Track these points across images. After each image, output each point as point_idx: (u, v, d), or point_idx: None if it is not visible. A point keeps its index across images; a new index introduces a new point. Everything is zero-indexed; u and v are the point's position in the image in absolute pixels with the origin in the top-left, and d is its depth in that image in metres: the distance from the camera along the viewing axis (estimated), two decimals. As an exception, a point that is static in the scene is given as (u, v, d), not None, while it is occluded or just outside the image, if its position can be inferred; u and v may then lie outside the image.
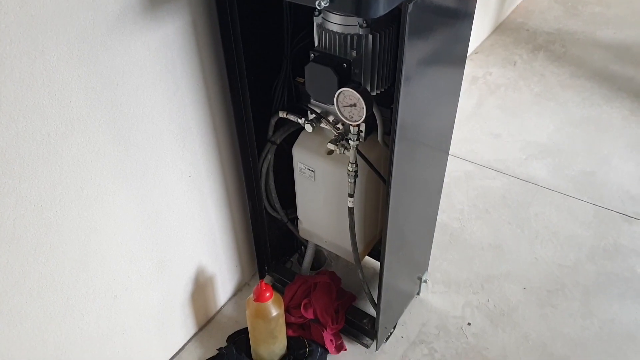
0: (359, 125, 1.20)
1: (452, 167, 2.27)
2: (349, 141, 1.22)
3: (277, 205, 1.56)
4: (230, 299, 1.74)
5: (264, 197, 1.53)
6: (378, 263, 1.74)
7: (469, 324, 1.65)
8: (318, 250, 1.91)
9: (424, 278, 1.69)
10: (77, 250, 1.14)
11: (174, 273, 1.44)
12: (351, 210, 1.29)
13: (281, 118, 1.37)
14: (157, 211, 1.31)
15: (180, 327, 1.55)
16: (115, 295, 1.28)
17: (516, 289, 1.75)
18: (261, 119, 1.40)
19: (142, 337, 1.42)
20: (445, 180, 1.54)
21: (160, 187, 1.30)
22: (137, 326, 1.39)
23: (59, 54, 0.96)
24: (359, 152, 1.24)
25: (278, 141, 1.43)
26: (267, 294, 1.38)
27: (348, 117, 1.15)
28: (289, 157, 1.42)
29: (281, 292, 1.64)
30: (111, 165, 1.15)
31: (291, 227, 1.64)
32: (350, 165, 1.23)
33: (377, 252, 1.68)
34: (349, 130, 1.22)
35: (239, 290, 1.76)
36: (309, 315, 1.57)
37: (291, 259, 1.85)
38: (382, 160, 1.32)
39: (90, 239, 1.17)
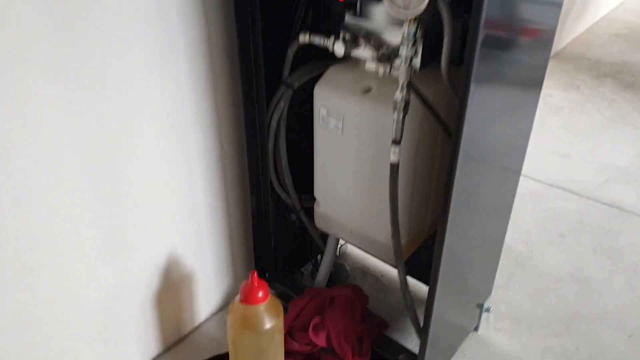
0: (414, 41, 0.80)
1: (513, 183, 1.82)
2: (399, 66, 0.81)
3: (288, 181, 1.14)
4: (214, 314, 1.28)
5: (271, 166, 1.11)
6: (420, 286, 1.29)
7: (552, 377, 1.14)
8: (338, 264, 1.46)
9: (486, 306, 1.21)
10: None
11: (132, 256, 1.01)
12: (394, 168, 0.85)
13: (303, 47, 0.98)
14: (112, 158, 0.90)
15: (136, 339, 1.09)
16: (31, 268, 0.85)
17: (617, 336, 1.24)
18: (274, 53, 1.01)
19: (71, 340, 0.96)
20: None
21: (122, 122, 0.90)
22: (64, 322, 0.94)
23: None
24: (411, 84, 0.82)
25: (296, 85, 1.02)
26: (260, 293, 0.94)
27: (402, 5, 0.75)
28: (305, 121, 1.02)
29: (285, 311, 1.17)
30: (43, 69, 0.76)
31: (304, 217, 1.21)
32: (398, 92, 0.81)
33: (421, 267, 1.22)
34: (396, 53, 0.82)
35: (227, 303, 1.30)
36: (320, 341, 1.10)
37: (302, 270, 1.40)
38: (442, 108, 0.89)
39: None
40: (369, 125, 0.92)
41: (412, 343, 1.19)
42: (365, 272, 1.44)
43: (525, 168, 1.89)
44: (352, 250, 1.50)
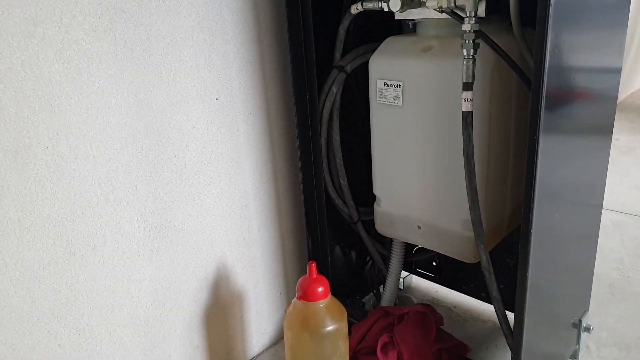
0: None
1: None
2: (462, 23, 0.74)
3: (344, 183, 1.04)
4: (268, 348, 1.13)
5: (324, 162, 1.02)
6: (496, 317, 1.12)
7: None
8: (404, 297, 1.30)
9: (584, 324, 1.02)
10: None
11: (178, 258, 0.92)
12: (468, 119, 0.74)
13: (355, 26, 0.94)
14: (159, 138, 0.85)
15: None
16: (72, 252, 0.77)
17: None
18: (326, 38, 0.97)
19: (113, 346, 0.85)
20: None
21: (170, 97, 0.85)
22: (105, 320, 0.83)
23: None
24: (481, 32, 0.74)
25: (349, 68, 0.97)
26: (320, 289, 0.81)
27: None
28: (361, 124, 0.96)
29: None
30: (92, 23, 0.74)
31: (361, 230, 1.09)
32: (465, 34, 0.73)
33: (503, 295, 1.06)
34: (461, 6, 0.76)
35: (282, 337, 1.16)
36: (391, 363, 0.93)
37: (363, 301, 1.25)
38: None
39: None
40: (432, 87, 0.83)
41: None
42: (436, 304, 1.27)
43: (606, 202, 1.74)
44: (418, 282, 1.34)
